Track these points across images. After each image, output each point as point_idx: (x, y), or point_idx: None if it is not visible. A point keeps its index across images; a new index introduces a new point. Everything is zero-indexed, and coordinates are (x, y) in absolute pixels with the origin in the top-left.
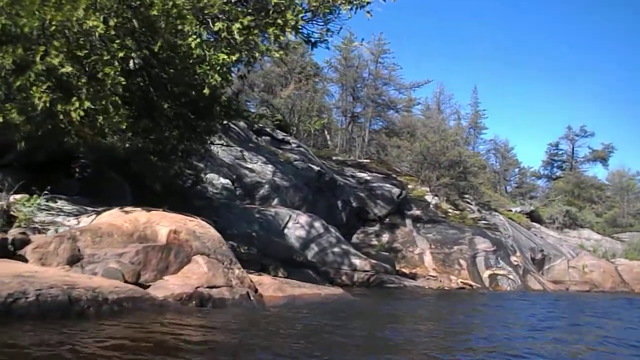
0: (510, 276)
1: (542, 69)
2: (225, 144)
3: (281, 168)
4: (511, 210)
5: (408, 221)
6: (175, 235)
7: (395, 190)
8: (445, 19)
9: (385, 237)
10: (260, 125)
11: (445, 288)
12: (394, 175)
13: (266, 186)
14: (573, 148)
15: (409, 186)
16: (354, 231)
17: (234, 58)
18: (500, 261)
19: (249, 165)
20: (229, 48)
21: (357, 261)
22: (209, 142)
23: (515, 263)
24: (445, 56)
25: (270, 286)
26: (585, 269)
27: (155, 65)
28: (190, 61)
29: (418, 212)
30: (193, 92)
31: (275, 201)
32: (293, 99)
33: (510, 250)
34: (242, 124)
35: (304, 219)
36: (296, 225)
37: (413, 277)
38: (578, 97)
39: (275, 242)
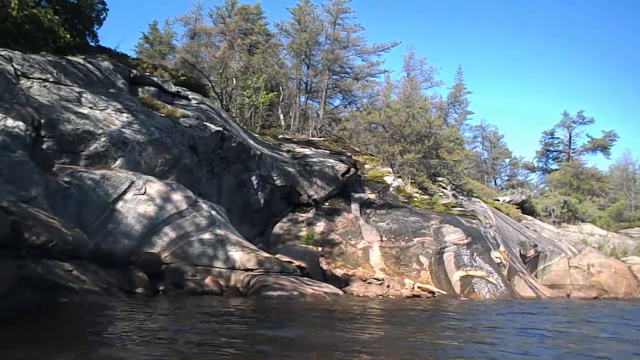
0: (491, 278)
1: (535, 50)
2: (51, 79)
3: (147, 121)
4: (498, 200)
5: (354, 206)
6: None
7: (340, 167)
8: None
9: (320, 225)
10: (145, 73)
11: (391, 297)
12: (349, 154)
13: (103, 139)
14: (570, 136)
15: (366, 166)
16: (278, 218)
17: None
18: (477, 258)
19: (81, 110)
20: None
21: (236, 255)
22: None
23: (498, 261)
24: (424, 28)
25: None
26: (591, 269)
27: None
28: None
29: (371, 196)
30: None
31: (118, 162)
32: (224, 61)
33: (492, 244)
34: (105, 63)
35: (155, 187)
36: (139, 198)
37: (346, 280)
38: (575, 82)
39: (93, 224)
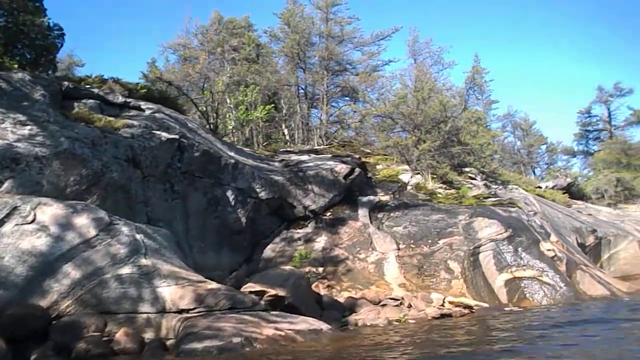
0: (545, 278)
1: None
2: None
3: (58, 132)
4: (540, 187)
5: (362, 211)
6: None
7: (341, 168)
8: None
9: (321, 241)
10: (83, 85)
11: (410, 321)
12: (357, 156)
13: None
14: (609, 112)
15: (379, 166)
16: (269, 239)
17: None
18: (524, 254)
19: None
20: None
21: (166, 291)
22: None
23: (551, 254)
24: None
25: None
26: None
27: None
28: None
29: (384, 198)
30: None
31: (6, 185)
32: (205, 74)
33: (540, 234)
34: (19, 75)
35: (50, 211)
36: (24, 229)
37: (351, 306)
38: (605, 52)
39: None
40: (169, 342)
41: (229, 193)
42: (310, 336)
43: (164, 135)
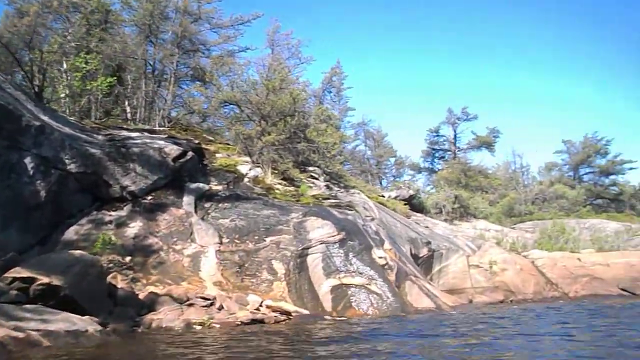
0: (373, 287)
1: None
2: None
3: None
4: (383, 196)
5: (187, 198)
6: None
7: (171, 149)
8: None
9: (135, 226)
10: None
11: (216, 325)
12: (197, 141)
13: None
14: (455, 133)
15: (218, 155)
16: (75, 219)
17: None
18: (354, 260)
19: None
20: None
21: None
22: None
23: (383, 262)
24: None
25: None
26: (494, 267)
27: None
28: None
29: (217, 188)
30: None
31: None
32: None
33: (374, 240)
34: None
35: None
36: None
37: (151, 304)
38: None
39: None
40: None
41: (28, 160)
42: (64, 339)
43: None
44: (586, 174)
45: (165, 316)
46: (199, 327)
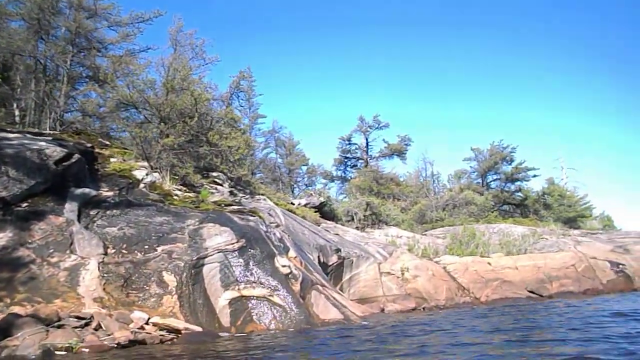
0: (276, 298)
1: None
2: None
3: None
4: (293, 204)
5: (69, 205)
6: None
7: (54, 151)
8: None
9: (3, 238)
10: None
11: (84, 350)
12: (89, 145)
13: None
14: (367, 142)
15: (113, 159)
16: None
17: None
18: (255, 269)
19: None
20: None
21: None
22: None
23: (286, 271)
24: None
25: None
26: (406, 273)
27: None
28: None
29: (108, 194)
30: None
31: None
32: None
33: (277, 247)
34: None
35: None
36: None
37: (7, 327)
38: (370, 90)
39: None
40: None
41: None
42: None
43: None
44: (493, 180)
45: (22, 342)
46: (62, 353)
